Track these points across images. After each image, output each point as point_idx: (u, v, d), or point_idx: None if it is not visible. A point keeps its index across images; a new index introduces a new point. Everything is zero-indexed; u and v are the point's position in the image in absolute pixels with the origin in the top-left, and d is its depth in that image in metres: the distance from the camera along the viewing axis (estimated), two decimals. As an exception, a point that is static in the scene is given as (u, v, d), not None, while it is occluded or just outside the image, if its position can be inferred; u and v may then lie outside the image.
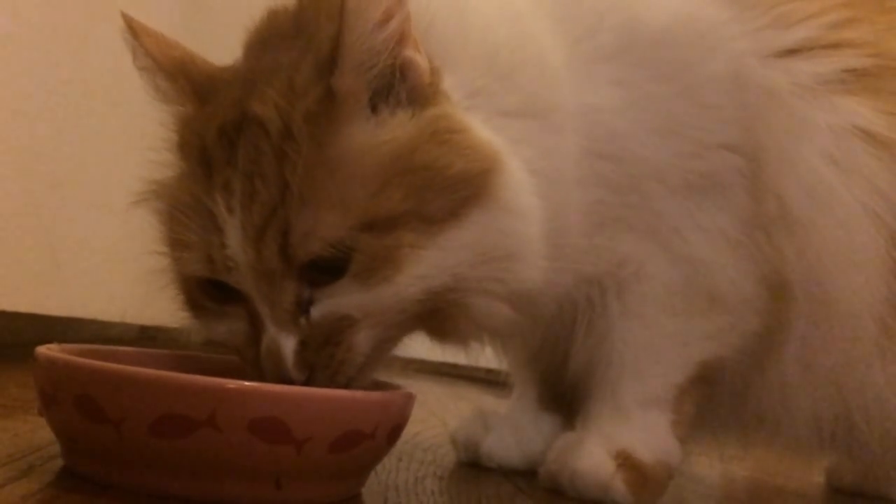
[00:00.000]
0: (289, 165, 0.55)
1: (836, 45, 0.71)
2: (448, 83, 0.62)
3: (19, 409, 0.76)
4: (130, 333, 1.50)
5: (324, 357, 0.57)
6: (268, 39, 0.62)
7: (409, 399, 0.61)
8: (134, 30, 0.63)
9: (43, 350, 0.56)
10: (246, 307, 0.58)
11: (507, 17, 0.68)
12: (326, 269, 0.56)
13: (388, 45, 0.57)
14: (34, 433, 0.65)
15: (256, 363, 0.58)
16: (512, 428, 0.82)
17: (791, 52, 0.71)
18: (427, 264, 0.57)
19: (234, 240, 0.56)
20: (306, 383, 0.57)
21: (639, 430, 0.71)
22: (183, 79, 0.62)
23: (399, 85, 0.59)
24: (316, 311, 0.57)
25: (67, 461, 0.57)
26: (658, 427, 0.72)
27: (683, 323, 0.71)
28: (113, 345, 0.66)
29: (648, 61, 0.69)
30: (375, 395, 0.59)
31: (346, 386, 0.59)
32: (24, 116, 1.13)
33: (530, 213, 0.62)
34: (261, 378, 0.57)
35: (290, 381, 0.57)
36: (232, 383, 0.52)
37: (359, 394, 0.58)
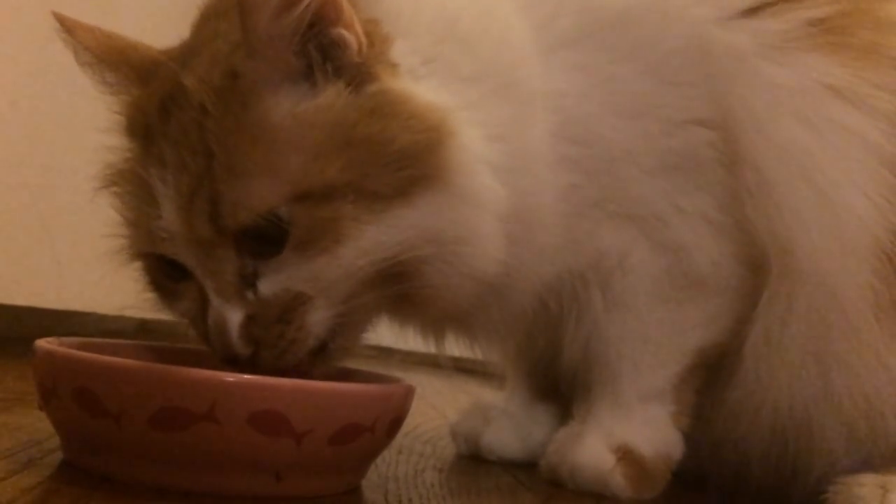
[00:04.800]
0: (211, 136, 0.55)
1: None
2: (402, 48, 0.62)
3: (19, 403, 0.76)
4: (129, 327, 1.49)
5: (272, 335, 0.57)
6: (213, 10, 0.62)
7: (409, 392, 0.61)
8: (68, 27, 0.62)
9: (42, 343, 0.56)
10: (195, 283, 0.58)
11: None
12: (266, 241, 0.56)
13: (300, 25, 0.56)
14: (34, 427, 0.65)
15: (206, 338, 0.58)
16: (511, 420, 0.82)
17: (752, 10, 0.68)
18: (370, 239, 0.57)
19: (168, 210, 0.56)
20: (252, 359, 0.57)
21: (639, 423, 0.71)
22: (125, 66, 0.62)
23: (325, 63, 0.57)
24: (264, 287, 0.56)
25: (67, 454, 0.57)
26: (658, 420, 0.72)
27: (675, 312, 0.71)
28: (112, 338, 0.66)
29: (609, 43, 0.68)
30: (375, 389, 0.59)
31: (299, 368, 0.58)
32: (23, 109, 1.13)
33: (485, 197, 0.61)
34: (212, 352, 0.58)
35: (235, 355, 0.56)
36: (231, 376, 0.52)
37: (358, 387, 0.58)
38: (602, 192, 0.69)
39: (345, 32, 0.58)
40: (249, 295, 0.57)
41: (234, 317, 0.56)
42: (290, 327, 0.57)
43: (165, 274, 0.60)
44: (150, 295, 0.63)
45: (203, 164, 0.55)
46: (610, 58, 0.68)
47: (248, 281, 0.57)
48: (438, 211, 0.59)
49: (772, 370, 0.69)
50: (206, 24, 0.62)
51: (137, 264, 0.63)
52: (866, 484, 0.66)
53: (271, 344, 0.57)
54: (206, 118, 0.55)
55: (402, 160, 0.57)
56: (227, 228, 0.55)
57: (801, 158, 0.66)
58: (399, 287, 0.60)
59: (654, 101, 0.68)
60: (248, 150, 0.55)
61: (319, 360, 0.60)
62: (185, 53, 0.60)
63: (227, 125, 0.55)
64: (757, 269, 0.69)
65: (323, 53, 0.58)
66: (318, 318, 0.58)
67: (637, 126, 0.68)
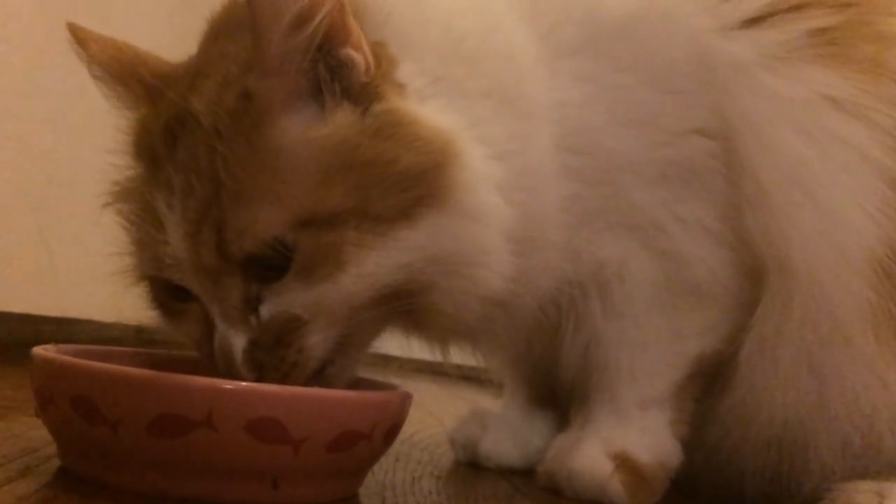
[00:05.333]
0: (220, 161, 0.54)
1: (799, 7, 0.68)
2: (408, 71, 0.62)
3: (16, 410, 0.76)
4: (127, 334, 1.49)
5: (274, 358, 0.56)
6: (221, 29, 0.62)
7: (407, 399, 0.61)
8: (81, 39, 0.62)
9: (39, 351, 0.56)
10: (200, 305, 0.58)
11: (475, 8, 0.67)
12: (270, 266, 0.56)
13: (311, 44, 0.56)
14: (31, 434, 0.65)
15: (212, 360, 0.58)
16: (509, 427, 0.82)
17: (754, 20, 0.68)
18: (373, 263, 0.56)
19: (174, 236, 0.56)
20: (258, 382, 0.56)
21: (637, 431, 0.71)
22: (135, 82, 0.62)
23: (333, 82, 0.58)
24: (265, 311, 0.56)
25: (64, 462, 0.57)
26: (657, 428, 0.72)
27: (673, 320, 0.71)
28: (109, 345, 0.66)
29: (611, 53, 0.68)
30: (372, 396, 0.59)
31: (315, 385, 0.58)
32: (20, 116, 1.13)
33: (490, 214, 0.61)
34: (218, 374, 0.57)
35: (242, 380, 0.56)
36: (229, 383, 0.52)
37: (356, 394, 0.58)
38: (602, 201, 0.69)
39: (353, 52, 0.58)
40: (252, 320, 0.57)
41: (239, 342, 0.56)
42: (289, 350, 0.57)
43: (170, 295, 0.60)
44: (154, 314, 0.63)
45: (210, 191, 0.55)
46: (612, 67, 0.68)
47: (252, 306, 0.57)
48: (441, 230, 0.58)
49: (766, 379, 0.68)
50: (213, 43, 0.61)
51: (142, 284, 0.63)
52: (863, 491, 0.66)
53: (274, 367, 0.56)
54: (218, 142, 0.55)
55: (404, 181, 0.57)
56: (233, 256, 0.55)
57: (800, 170, 0.66)
58: (401, 306, 0.59)
59: (656, 111, 0.68)
60: (257, 175, 0.55)
61: (321, 383, 0.60)
62: (193, 74, 0.59)
63: (238, 149, 0.55)
64: (756, 279, 0.69)
65: (331, 74, 0.58)
66: (316, 340, 0.58)
67: (638, 135, 0.68)
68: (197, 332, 0.59)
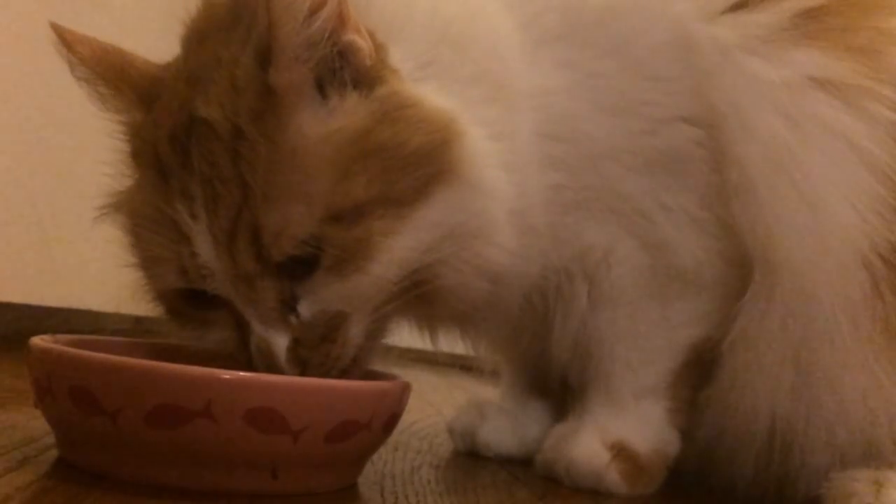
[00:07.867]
0: (245, 165, 0.54)
1: None
2: (396, 55, 0.62)
3: (14, 401, 0.76)
4: (125, 324, 1.49)
5: (320, 354, 0.57)
6: (206, 32, 0.61)
7: (405, 389, 0.61)
8: (66, 40, 0.61)
9: (37, 341, 0.56)
10: (229, 310, 0.58)
11: None
12: (302, 264, 0.56)
13: (324, 33, 0.56)
14: (29, 424, 0.65)
15: (249, 364, 0.58)
16: (507, 417, 0.82)
17: (738, 5, 0.67)
18: (400, 248, 0.57)
19: (204, 247, 0.55)
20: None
21: (634, 420, 0.71)
22: (125, 86, 0.61)
23: (342, 70, 0.58)
24: (304, 309, 0.57)
25: (63, 452, 0.57)
26: (654, 417, 0.72)
27: (663, 308, 0.70)
28: (107, 335, 0.66)
29: (593, 40, 0.68)
30: (371, 385, 0.59)
31: (341, 378, 0.58)
32: (18, 107, 1.13)
33: (496, 187, 0.62)
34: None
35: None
36: (228, 373, 0.52)
37: (355, 384, 0.58)
38: (586, 190, 0.68)
39: (356, 37, 0.58)
40: (293, 319, 0.57)
41: (281, 342, 0.56)
42: (335, 346, 0.58)
43: (190, 304, 0.60)
44: (175, 326, 0.62)
45: (239, 197, 0.54)
46: (593, 54, 0.68)
47: (290, 305, 0.57)
48: (454, 204, 0.59)
49: (747, 371, 0.68)
50: (200, 48, 0.60)
51: (156, 297, 0.62)
52: (861, 479, 0.65)
53: (318, 363, 0.57)
54: (240, 145, 0.54)
55: (417, 161, 0.57)
56: (271, 260, 0.55)
57: (784, 158, 0.64)
58: (419, 290, 0.60)
59: (638, 98, 0.68)
60: (284, 174, 0.54)
61: (357, 365, 0.60)
62: (187, 80, 0.58)
63: (262, 150, 0.54)
64: (744, 267, 0.68)
65: (340, 61, 0.58)
66: (356, 332, 0.59)
67: (621, 123, 0.68)
68: (230, 339, 0.59)
